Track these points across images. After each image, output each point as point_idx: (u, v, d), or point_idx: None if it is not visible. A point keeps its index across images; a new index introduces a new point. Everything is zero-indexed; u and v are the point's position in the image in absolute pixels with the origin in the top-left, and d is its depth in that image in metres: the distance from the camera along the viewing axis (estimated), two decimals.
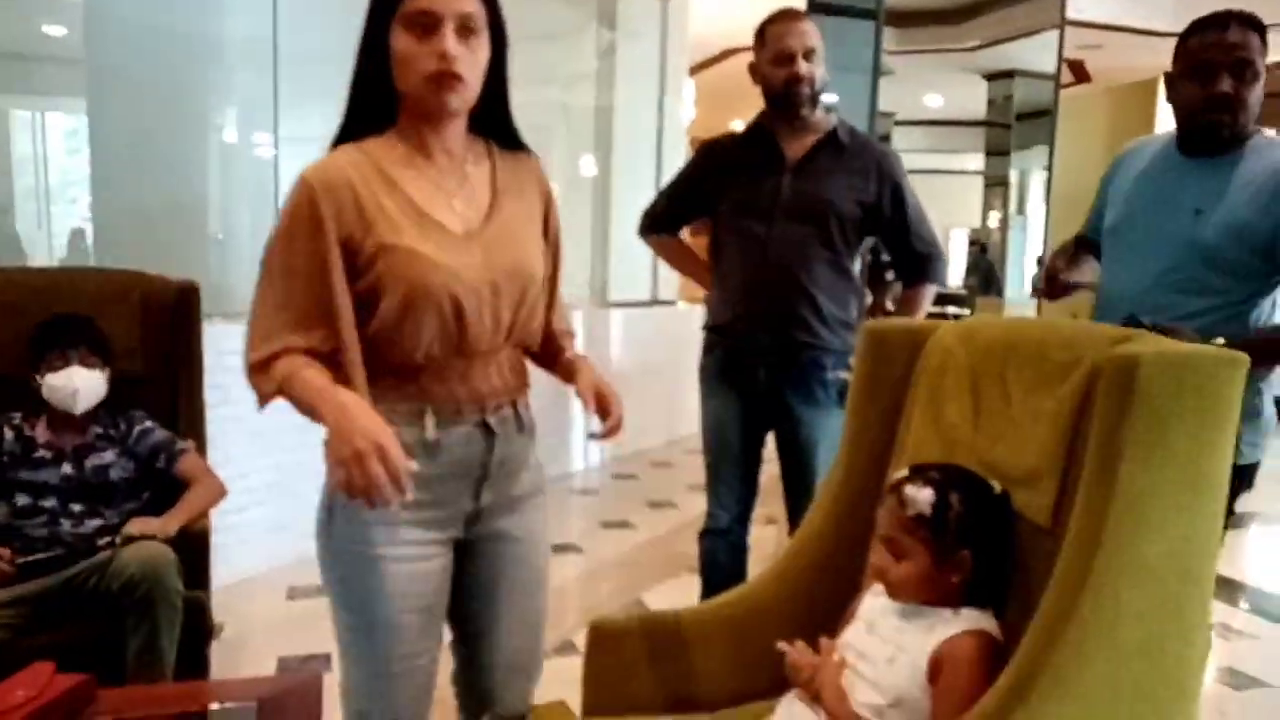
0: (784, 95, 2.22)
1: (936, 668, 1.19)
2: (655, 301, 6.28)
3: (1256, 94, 1.81)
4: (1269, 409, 1.95)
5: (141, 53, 3.73)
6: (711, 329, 2.37)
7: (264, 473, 3.36)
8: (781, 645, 1.31)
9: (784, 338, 2.24)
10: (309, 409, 1.18)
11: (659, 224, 2.55)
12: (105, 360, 2.15)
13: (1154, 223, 1.91)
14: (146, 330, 2.31)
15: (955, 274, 9.06)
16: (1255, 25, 1.80)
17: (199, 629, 1.92)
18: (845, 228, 2.22)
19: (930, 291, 2.36)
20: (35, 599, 1.87)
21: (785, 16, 2.25)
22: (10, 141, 7.00)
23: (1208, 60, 1.80)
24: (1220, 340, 1.66)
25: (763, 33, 2.27)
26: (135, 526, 1.96)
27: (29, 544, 1.97)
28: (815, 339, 2.23)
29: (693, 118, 7.41)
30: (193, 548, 1.96)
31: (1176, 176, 1.91)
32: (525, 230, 1.36)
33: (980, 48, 7.11)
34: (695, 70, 7.73)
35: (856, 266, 2.33)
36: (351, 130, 1.29)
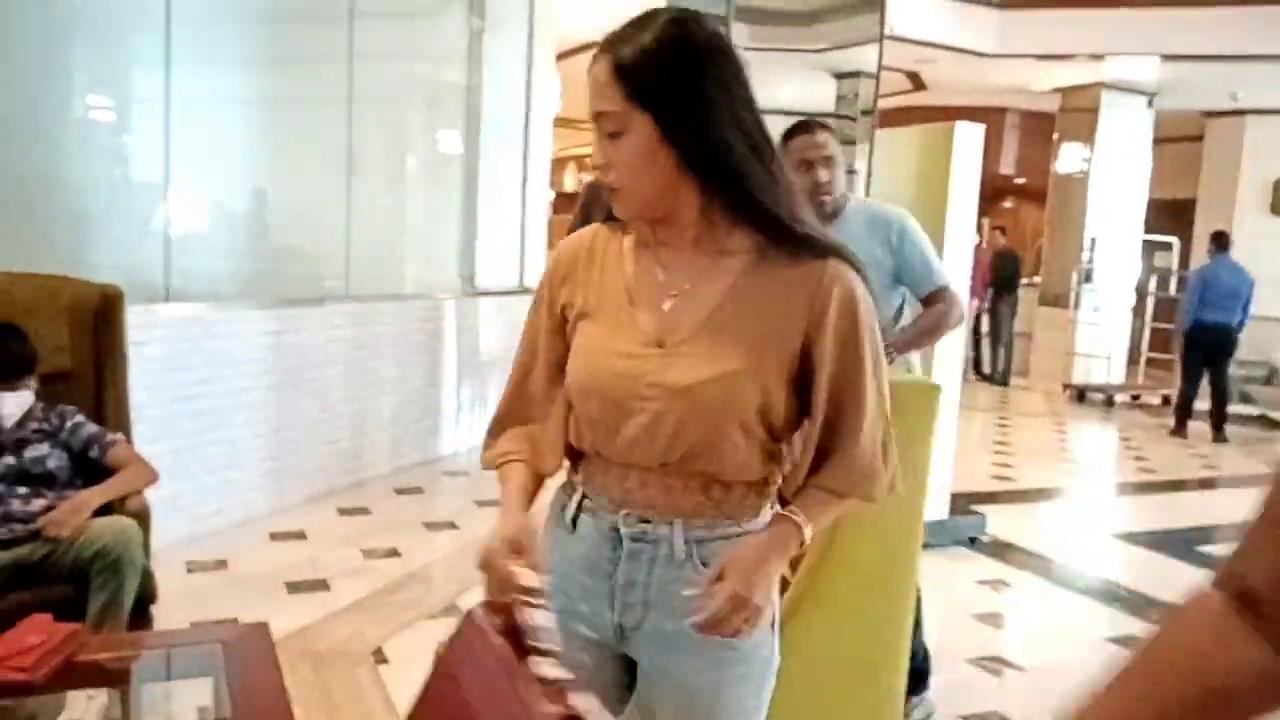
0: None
1: None
2: (523, 290, 6.57)
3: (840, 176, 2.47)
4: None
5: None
6: None
7: (160, 457, 3.59)
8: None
9: None
10: None
11: None
12: (31, 372, 2.40)
13: None
14: (74, 330, 2.57)
15: None
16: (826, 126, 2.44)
17: (145, 593, 2.24)
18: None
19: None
20: (5, 568, 2.16)
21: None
22: None
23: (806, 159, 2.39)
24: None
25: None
26: (49, 529, 2.19)
27: None
28: None
29: (558, 108, 7.76)
30: (137, 523, 2.27)
31: None
32: (737, 353, 1.13)
33: (827, 50, 7.80)
34: (561, 57, 8.07)
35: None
36: None
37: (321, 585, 3.31)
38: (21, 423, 2.37)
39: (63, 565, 2.18)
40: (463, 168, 6.23)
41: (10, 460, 2.33)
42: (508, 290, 6.23)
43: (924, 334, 2.61)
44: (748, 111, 1.10)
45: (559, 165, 13.05)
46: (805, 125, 2.45)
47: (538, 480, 1.25)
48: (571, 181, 15.08)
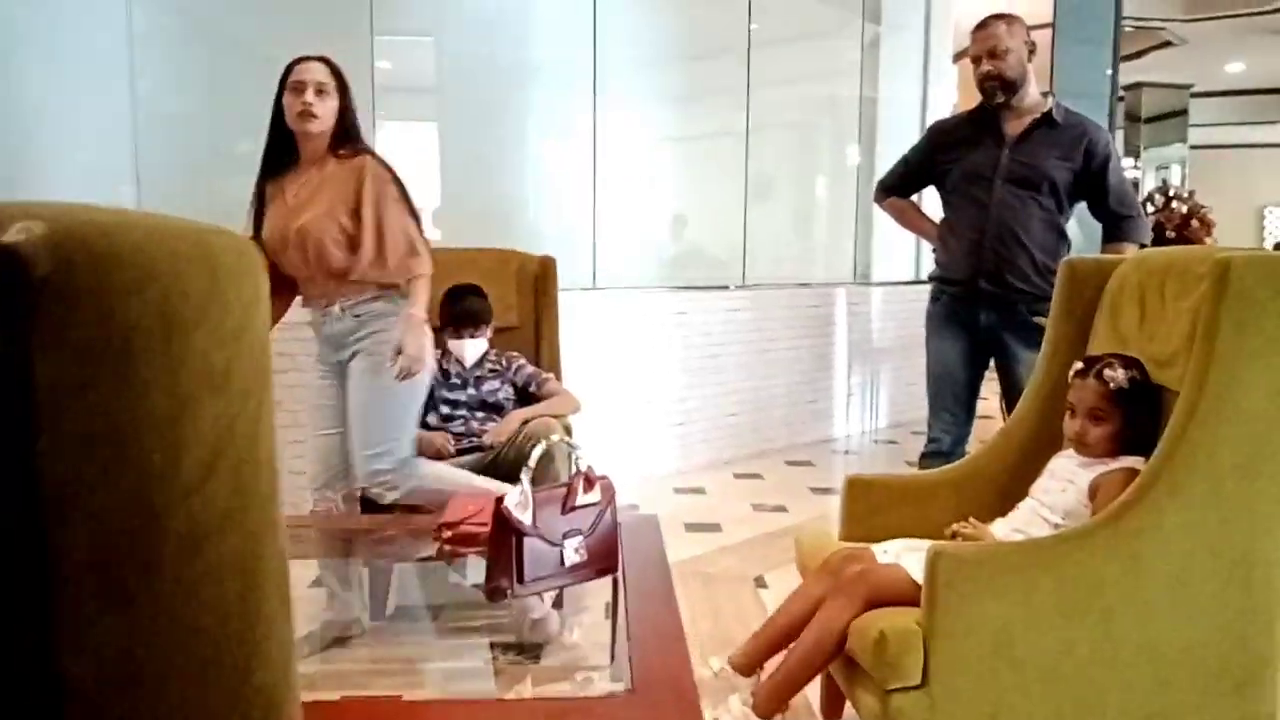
0: (981, 88, 2.73)
1: (1094, 491, 1.67)
2: (918, 281, 6.60)
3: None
4: None
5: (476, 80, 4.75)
6: (940, 279, 2.85)
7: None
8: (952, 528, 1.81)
9: (1004, 286, 2.69)
10: None
11: (892, 190, 3.06)
12: (487, 323, 2.99)
13: None
14: (520, 292, 3.17)
15: None
16: None
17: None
18: (1058, 191, 2.65)
19: (1129, 249, 2.71)
20: (467, 468, 2.74)
21: (980, 25, 2.74)
22: None
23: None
24: None
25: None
26: (489, 438, 2.81)
27: (455, 437, 2.85)
28: (1032, 287, 2.67)
29: (955, 102, 7.63)
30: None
31: None
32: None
33: None
34: (960, 56, 7.92)
35: (1069, 223, 2.74)
36: None
37: (715, 528, 3.65)
38: (479, 363, 2.98)
39: (506, 465, 2.72)
40: (859, 173, 6.44)
41: (471, 391, 2.94)
42: (900, 281, 6.30)
43: None
44: None
45: None
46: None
47: None
48: None
